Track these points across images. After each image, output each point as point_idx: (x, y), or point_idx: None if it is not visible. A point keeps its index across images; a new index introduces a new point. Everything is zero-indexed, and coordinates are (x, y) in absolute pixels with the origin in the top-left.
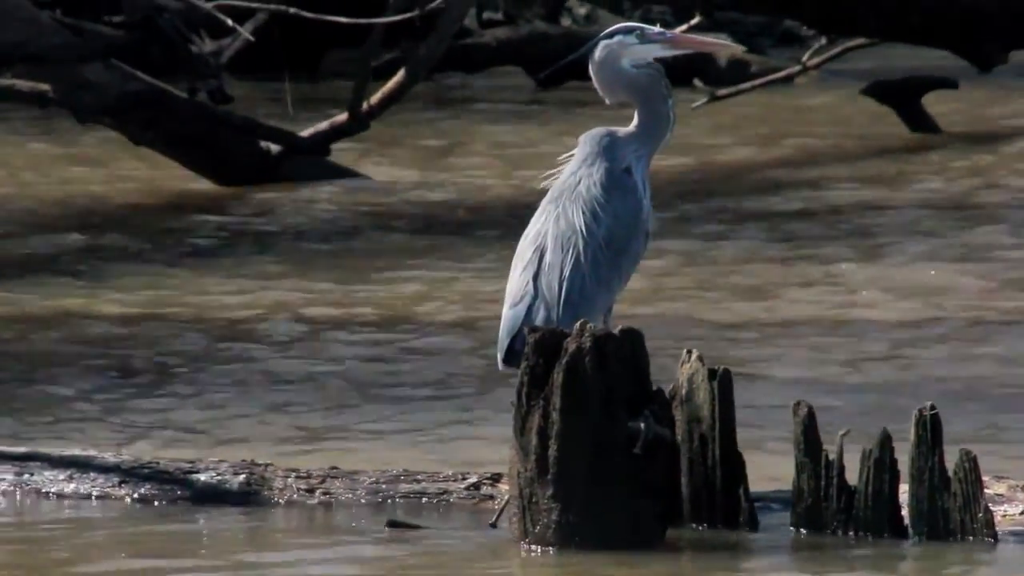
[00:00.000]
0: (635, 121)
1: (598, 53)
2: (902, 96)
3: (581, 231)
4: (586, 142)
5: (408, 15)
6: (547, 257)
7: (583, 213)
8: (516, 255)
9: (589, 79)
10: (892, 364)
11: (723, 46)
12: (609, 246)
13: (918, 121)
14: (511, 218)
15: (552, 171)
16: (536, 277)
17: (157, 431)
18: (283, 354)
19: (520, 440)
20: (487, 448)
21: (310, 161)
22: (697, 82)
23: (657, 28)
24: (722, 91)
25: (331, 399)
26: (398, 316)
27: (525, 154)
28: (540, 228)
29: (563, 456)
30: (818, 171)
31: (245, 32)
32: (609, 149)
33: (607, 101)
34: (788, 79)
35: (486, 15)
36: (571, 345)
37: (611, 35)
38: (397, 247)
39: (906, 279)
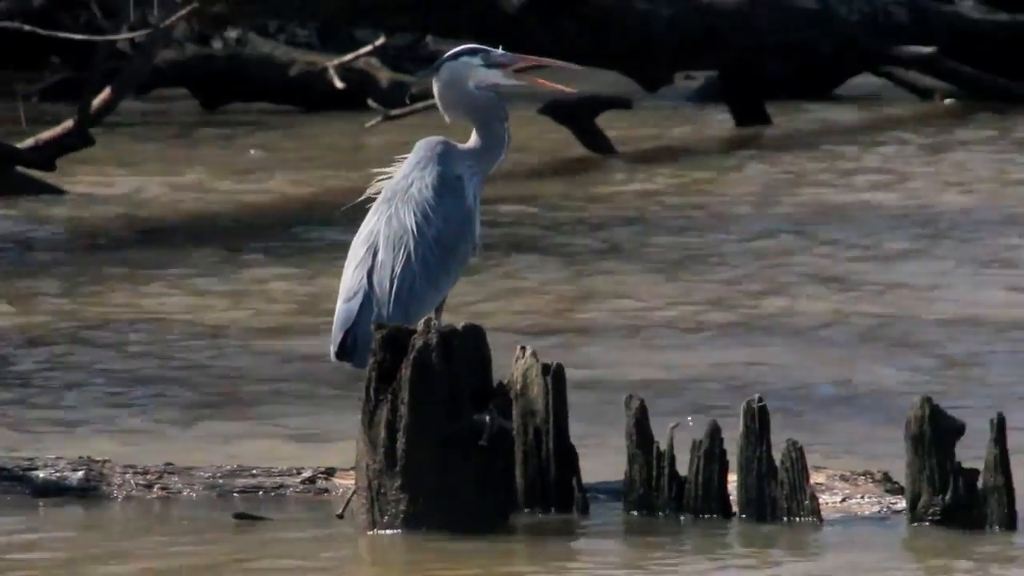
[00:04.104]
0: (472, 139)
1: (444, 74)
2: (578, 115)
3: (412, 231)
4: (420, 148)
5: (133, 35)
6: (379, 255)
7: (414, 214)
8: (349, 254)
9: (252, 99)
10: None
11: (565, 67)
12: (439, 246)
13: (594, 140)
14: (204, 227)
15: (384, 172)
16: (369, 274)
17: None
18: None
19: (368, 433)
20: (276, 443)
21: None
22: (371, 102)
23: (500, 51)
24: (395, 111)
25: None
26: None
27: (199, 168)
28: (373, 227)
29: (411, 448)
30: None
31: None
32: (443, 156)
33: (447, 119)
34: None
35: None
36: (418, 341)
37: (456, 56)
38: (125, 257)
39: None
